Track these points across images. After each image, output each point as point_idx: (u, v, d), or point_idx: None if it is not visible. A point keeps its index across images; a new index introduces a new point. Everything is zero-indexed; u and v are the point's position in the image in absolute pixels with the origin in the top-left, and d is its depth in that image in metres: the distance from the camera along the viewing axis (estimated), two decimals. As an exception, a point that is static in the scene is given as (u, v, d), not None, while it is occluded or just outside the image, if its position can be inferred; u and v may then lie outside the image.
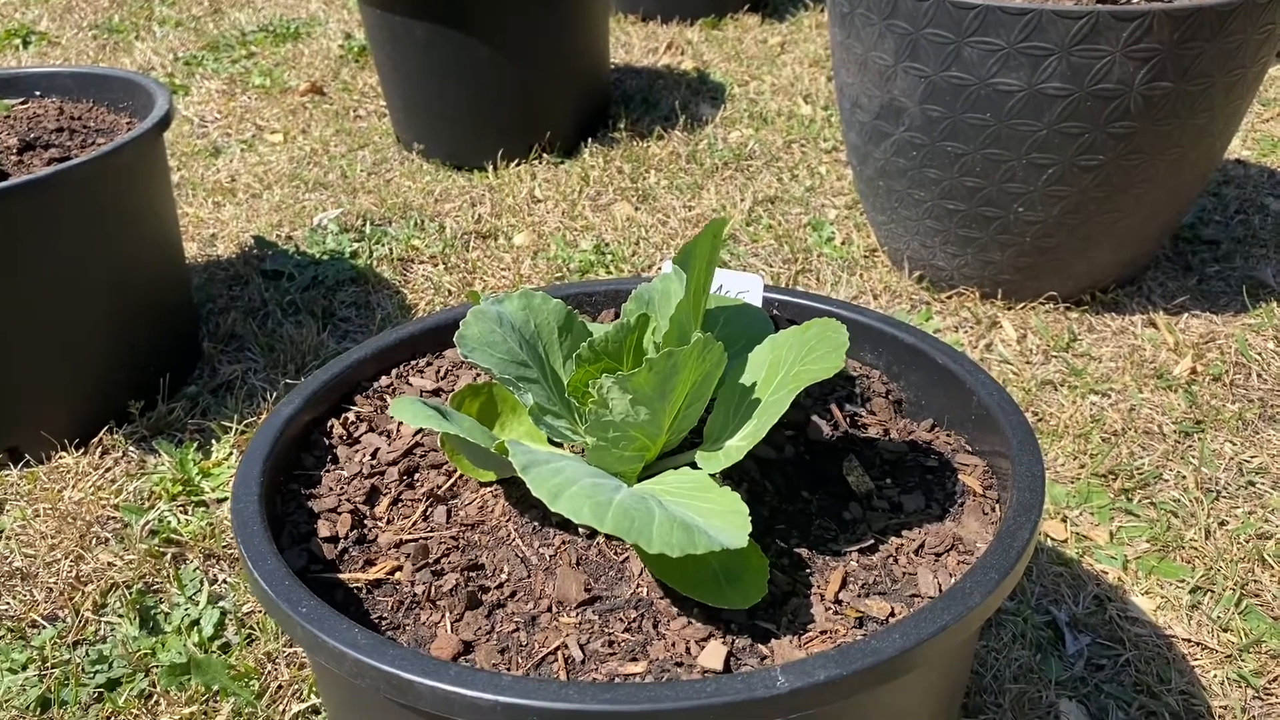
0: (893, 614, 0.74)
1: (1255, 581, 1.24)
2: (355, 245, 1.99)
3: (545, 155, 2.32)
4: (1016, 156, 1.57)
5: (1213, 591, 1.23)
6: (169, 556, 1.29)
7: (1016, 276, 1.74)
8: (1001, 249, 1.70)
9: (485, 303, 0.82)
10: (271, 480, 0.85)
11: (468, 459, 0.82)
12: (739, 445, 0.78)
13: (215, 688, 1.11)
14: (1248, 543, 1.29)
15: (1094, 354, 1.65)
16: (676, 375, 0.75)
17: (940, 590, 0.75)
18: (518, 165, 2.30)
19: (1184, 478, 1.40)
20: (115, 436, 1.49)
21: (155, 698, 1.12)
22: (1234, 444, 1.46)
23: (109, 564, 1.28)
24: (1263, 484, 1.39)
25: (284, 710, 1.10)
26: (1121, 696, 1.11)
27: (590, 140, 2.38)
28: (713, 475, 0.79)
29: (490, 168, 2.29)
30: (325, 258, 1.94)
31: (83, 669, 1.14)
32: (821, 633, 0.72)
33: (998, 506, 0.83)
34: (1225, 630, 1.19)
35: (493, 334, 0.80)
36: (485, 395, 0.88)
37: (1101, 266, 1.73)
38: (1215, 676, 1.14)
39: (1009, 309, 1.77)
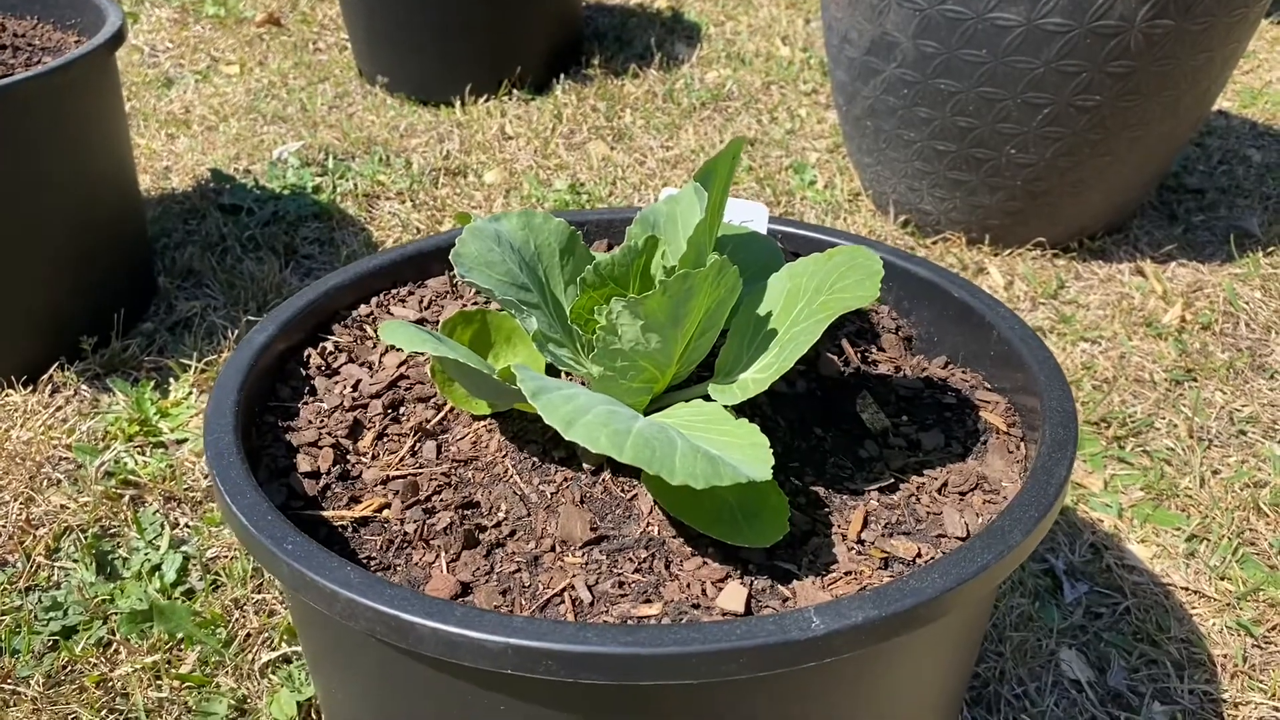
0: (919, 555, 0.70)
1: (1251, 530, 1.22)
2: (318, 180, 1.90)
3: (516, 91, 2.24)
4: (1012, 95, 1.53)
5: (1209, 540, 1.21)
6: (126, 499, 1.22)
7: (1005, 221, 1.70)
8: (991, 192, 1.66)
9: (482, 220, 0.76)
10: (246, 411, 0.78)
11: (463, 388, 0.76)
12: (758, 377, 0.73)
13: (179, 635, 1.04)
14: (1242, 491, 1.27)
15: (1082, 301, 1.62)
16: (692, 299, 0.70)
17: (968, 531, 0.71)
18: (487, 101, 2.22)
19: (1176, 426, 1.38)
20: (66, 374, 1.40)
21: (115, 646, 1.05)
22: (1224, 393, 1.44)
23: (62, 506, 1.21)
24: (1254, 433, 1.37)
25: (253, 659, 1.04)
26: (1122, 645, 1.09)
27: (563, 77, 2.29)
28: (727, 408, 0.74)
29: (458, 103, 2.20)
30: (286, 192, 1.85)
31: (35, 616, 1.07)
32: (846, 574, 0.68)
33: (1023, 445, 0.79)
34: (1222, 578, 1.17)
35: (491, 252, 0.74)
36: (479, 323, 0.81)
37: (1091, 212, 1.69)
38: (1214, 625, 1.11)
39: (996, 255, 1.73)
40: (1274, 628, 1.11)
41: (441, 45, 2.18)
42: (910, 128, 1.65)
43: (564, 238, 0.79)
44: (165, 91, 2.27)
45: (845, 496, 0.75)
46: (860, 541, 0.71)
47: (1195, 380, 1.46)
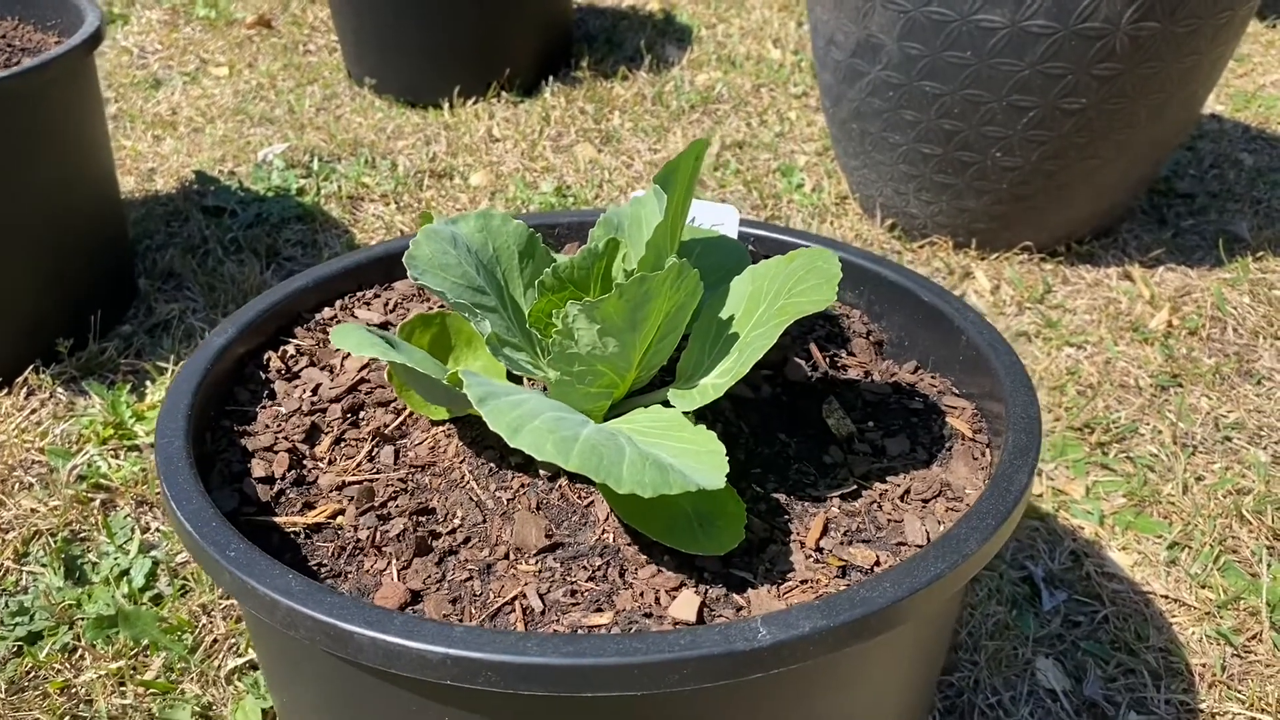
0: (878, 563, 0.68)
1: (1233, 538, 1.21)
2: (302, 182, 1.89)
3: (504, 93, 2.23)
4: (997, 98, 1.52)
5: (1190, 547, 1.20)
6: (98, 503, 1.21)
7: (991, 225, 1.69)
8: (977, 196, 1.65)
9: (438, 222, 0.75)
10: (201, 415, 0.77)
11: (418, 394, 0.75)
12: (716, 383, 0.72)
13: (145, 641, 1.03)
14: (1225, 498, 1.26)
15: (1069, 306, 1.61)
16: (649, 303, 0.69)
17: (928, 538, 0.70)
18: (475, 103, 2.21)
19: (1160, 432, 1.36)
20: (41, 376, 1.39)
21: (80, 652, 1.04)
22: (1210, 398, 1.42)
23: (32, 510, 1.20)
24: (1239, 439, 1.35)
25: (219, 665, 1.03)
26: (1099, 654, 1.07)
27: (551, 79, 2.29)
28: (686, 414, 0.73)
29: (446, 105, 2.19)
30: (270, 194, 1.85)
31: (1, 621, 1.06)
32: (802, 582, 0.67)
33: (988, 451, 0.78)
34: (1203, 586, 1.15)
35: (446, 255, 0.73)
36: (438, 326, 0.80)
37: (1078, 217, 1.68)
38: (1193, 633, 1.10)
39: (983, 259, 1.72)
40: (1254, 637, 1.10)
41: (430, 47, 2.17)
42: (896, 130, 1.64)
43: (523, 240, 0.77)
44: (153, 93, 2.26)
45: (806, 503, 0.73)
46: (819, 549, 0.69)
47: (1181, 385, 1.44)
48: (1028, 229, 1.69)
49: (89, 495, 1.21)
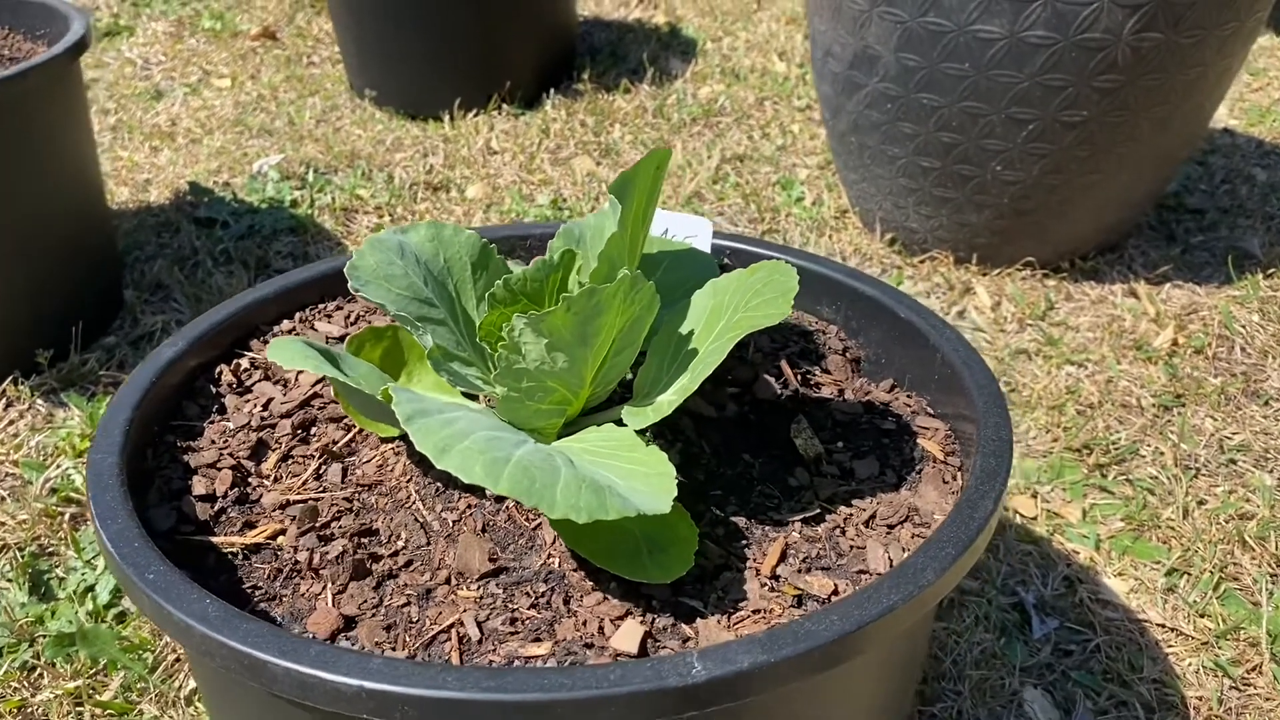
0: (836, 592, 0.65)
1: (1235, 564, 1.16)
2: (296, 194, 1.87)
3: (505, 106, 2.21)
4: (996, 110, 1.48)
5: (1189, 574, 1.15)
6: (67, 517, 1.19)
7: (993, 240, 1.65)
8: (978, 210, 1.61)
9: (387, 232, 0.72)
10: (143, 430, 0.75)
11: (361, 411, 0.72)
12: (669, 400, 0.69)
13: (103, 661, 1.01)
14: (1227, 523, 1.21)
15: (1071, 323, 1.57)
16: (600, 317, 0.66)
17: (891, 566, 0.66)
18: (475, 115, 2.19)
19: (1162, 454, 1.32)
20: (21, 388, 1.38)
21: (39, 670, 1.02)
22: (1215, 419, 1.38)
23: (0, 524, 1.18)
24: (1244, 462, 1.31)
25: (179, 686, 1.00)
26: (1090, 684, 1.03)
27: (553, 91, 2.27)
28: (640, 433, 0.70)
29: (446, 117, 2.18)
30: (264, 206, 1.83)
31: (-39, 637, 1.04)
32: (754, 612, 0.63)
33: (959, 474, 0.74)
34: (1202, 615, 1.11)
35: (391, 266, 0.70)
36: (389, 339, 0.78)
37: (1081, 232, 1.64)
38: (1190, 664, 1.06)
39: (984, 274, 1.68)
40: (1254, 669, 1.05)
41: (430, 59, 2.15)
42: (894, 143, 1.61)
43: (476, 251, 0.75)
44: (153, 104, 2.26)
45: (767, 527, 0.70)
46: (775, 577, 0.66)
47: (1185, 406, 1.40)
48: (1030, 244, 1.65)
49: (59, 509, 1.19)
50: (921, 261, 1.71)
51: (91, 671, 1.01)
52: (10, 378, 1.39)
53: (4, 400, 1.37)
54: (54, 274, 1.42)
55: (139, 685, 1.00)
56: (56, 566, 1.14)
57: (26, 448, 1.29)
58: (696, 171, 1.98)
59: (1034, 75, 1.43)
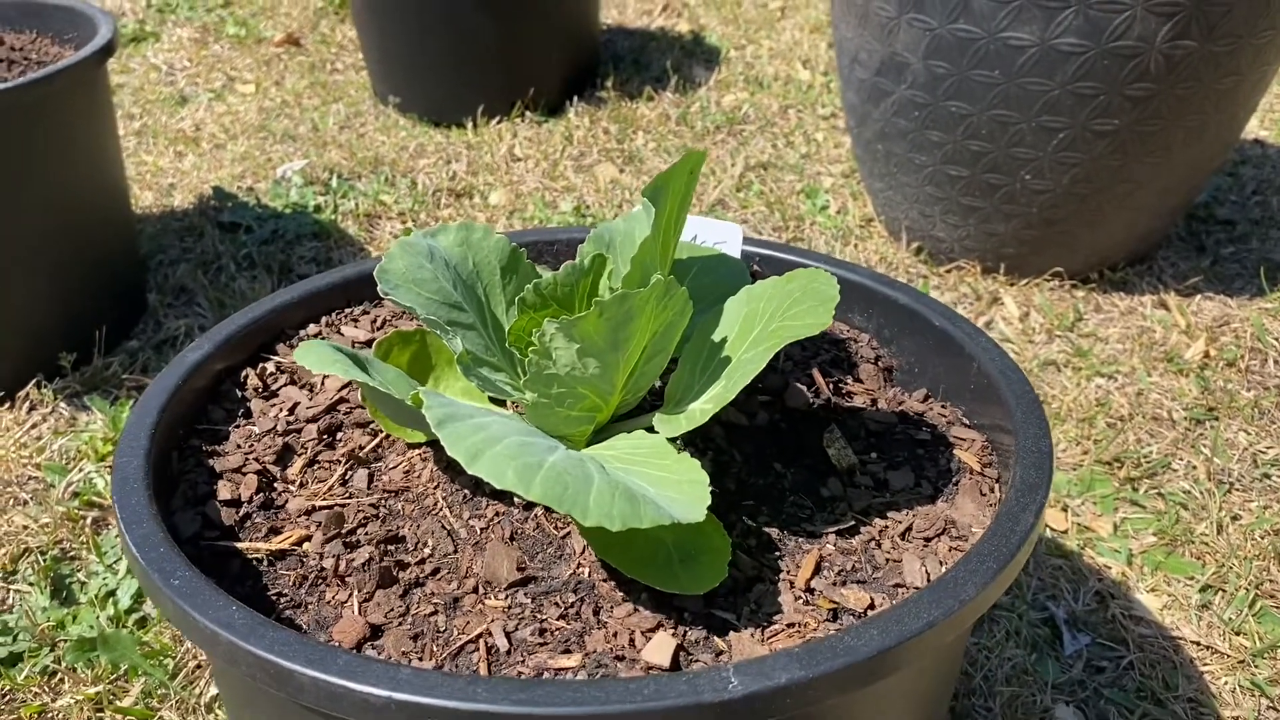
0: (872, 605, 0.63)
1: (1271, 581, 1.14)
2: (320, 199, 1.87)
3: (529, 113, 2.20)
4: (1026, 119, 1.46)
5: (1224, 590, 1.13)
6: (89, 521, 1.19)
7: (1021, 250, 1.63)
8: (1006, 220, 1.60)
9: (416, 235, 0.72)
10: (168, 434, 0.74)
11: (389, 416, 0.71)
12: (703, 408, 0.68)
13: (124, 666, 1.00)
14: (1263, 539, 1.19)
15: (1100, 334, 1.55)
16: (632, 322, 0.65)
17: (929, 581, 0.65)
18: (499, 122, 2.18)
19: (1194, 468, 1.30)
20: (44, 391, 1.38)
21: (60, 675, 1.01)
22: (1248, 433, 1.35)
23: (23, 527, 1.17)
24: (1278, 476, 1.29)
25: (200, 693, 0.99)
26: (1123, 702, 1.01)
27: (576, 99, 2.26)
28: (671, 441, 0.68)
29: (470, 124, 2.17)
30: (287, 211, 1.83)
31: (-17, 641, 1.04)
32: (789, 625, 0.62)
33: (997, 486, 0.73)
34: (1238, 633, 1.09)
35: (421, 269, 0.69)
36: (417, 344, 0.77)
37: (1111, 242, 1.62)
38: (1226, 683, 1.04)
39: (1011, 285, 1.66)
40: (1292, 689, 1.03)
41: (454, 66, 2.15)
42: (921, 151, 1.59)
43: (505, 255, 0.74)
44: (178, 109, 2.26)
45: (800, 539, 0.69)
46: (809, 590, 0.65)
47: (1217, 419, 1.38)
48: (1059, 254, 1.63)
49: (80, 513, 1.19)
50: (948, 271, 1.70)
51: (112, 677, 1.00)
52: (34, 381, 1.39)
53: (27, 403, 1.37)
54: (77, 277, 1.42)
55: (159, 691, 0.99)
56: (78, 571, 1.13)
57: (49, 451, 1.29)
58: (720, 179, 1.97)
59: (1065, 83, 1.41)
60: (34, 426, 1.34)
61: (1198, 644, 1.08)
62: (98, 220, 1.45)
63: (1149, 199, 1.56)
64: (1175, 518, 1.22)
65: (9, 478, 1.24)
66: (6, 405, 1.37)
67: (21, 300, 1.36)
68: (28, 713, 0.97)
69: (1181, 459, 1.31)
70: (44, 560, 1.13)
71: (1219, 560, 1.16)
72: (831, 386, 0.84)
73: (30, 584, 1.11)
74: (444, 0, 2.06)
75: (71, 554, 1.15)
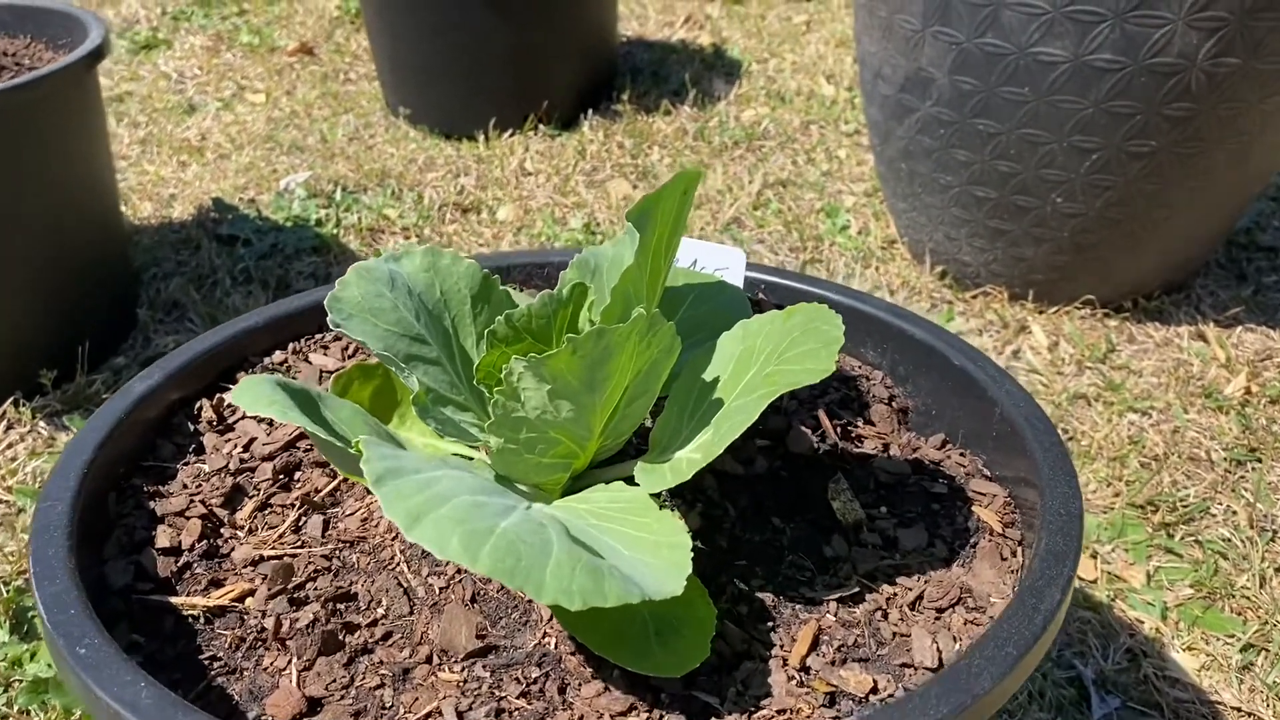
0: (875, 689, 0.56)
1: (1319, 641, 1.05)
2: (322, 212, 1.82)
3: (541, 126, 2.14)
4: (1057, 138, 1.38)
5: (1268, 650, 1.05)
6: (58, 549, 1.12)
7: (1051, 276, 1.55)
8: (1035, 244, 1.51)
9: (376, 259, 0.65)
10: (106, 473, 0.68)
11: (337, 462, 0.64)
12: (690, 459, 0.60)
13: (78, 711, 0.94)
14: (1310, 594, 1.10)
15: (1134, 367, 1.46)
16: (611, 361, 0.58)
17: (940, 660, 0.57)
18: (511, 135, 2.12)
19: (1235, 513, 1.21)
20: (22, 410, 1.32)
21: (9, 719, 0.95)
22: (1293, 477, 1.27)
23: (-12, 555, 1.12)
24: (1326, 525, 1.20)
25: (157, 742, 0.93)
26: (1157, 776, 0.93)
27: (591, 112, 2.20)
28: (655, 495, 0.61)
29: (481, 137, 2.11)
30: (288, 224, 1.77)
31: (-66, 679, 0.98)
32: (779, 712, 0.54)
33: (1020, 550, 0.65)
34: (1283, 699, 1.00)
35: (380, 298, 0.62)
36: (380, 378, 0.70)
37: (1146, 269, 1.54)
38: (1270, 756, 0.95)
39: (1040, 312, 1.58)
40: (1343, 764, 0.94)
41: (466, 77, 2.09)
42: (947, 171, 1.52)
43: (476, 282, 0.67)
44: (185, 118, 2.22)
45: (797, 606, 0.61)
46: (804, 669, 0.57)
47: (1260, 461, 1.29)
48: (1091, 281, 1.55)
49: (49, 541, 1.13)
50: (974, 297, 1.62)
51: (66, 722, 0.94)
52: (11, 399, 1.33)
53: (4, 422, 1.31)
54: (62, 289, 1.37)
55: (115, 739, 0.93)
56: (42, 603, 1.07)
57: (22, 473, 1.23)
58: (737, 197, 1.90)
59: (1099, 101, 1.33)
60: (9, 447, 1.28)
61: (1239, 710, 0.99)
62: (85, 231, 1.40)
63: (1187, 225, 1.48)
64: (1214, 568, 1.14)
65: (-21, 501, 1.19)
66: (-17, 424, 1.31)
67: (0, 312, 1.31)
68: (-28, 761, 0.91)
69: (1221, 503, 1.22)
70: (6, 591, 1.07)
71: (1262, 616, 1.08)
72: (839, 430, 0.76)
73: (-10, 617, 1.05)
74: (457, 7, 2.00)
75: (36, 585, 1.09)
